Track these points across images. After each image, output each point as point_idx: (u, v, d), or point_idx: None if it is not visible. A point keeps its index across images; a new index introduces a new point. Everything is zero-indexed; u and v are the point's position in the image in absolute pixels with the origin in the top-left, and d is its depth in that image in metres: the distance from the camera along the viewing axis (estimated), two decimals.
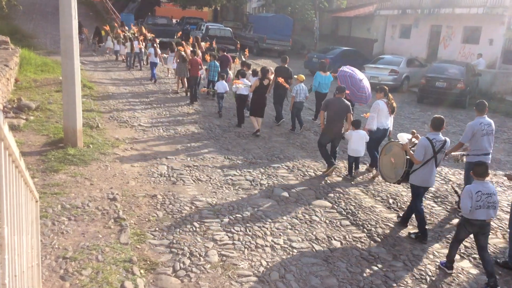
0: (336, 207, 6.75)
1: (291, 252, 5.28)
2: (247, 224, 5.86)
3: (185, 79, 14.39)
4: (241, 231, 5.67)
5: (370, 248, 5.60)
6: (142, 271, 4.56)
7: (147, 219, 5.73)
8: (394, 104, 8.20)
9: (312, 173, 8.16)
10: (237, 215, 6.11)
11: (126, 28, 22.40)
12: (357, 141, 8.04)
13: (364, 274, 4.98)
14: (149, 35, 20.08)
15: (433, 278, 5.05)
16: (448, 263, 5.27)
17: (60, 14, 7.82)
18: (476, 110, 6.86)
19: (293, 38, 31.04)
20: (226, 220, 5.92)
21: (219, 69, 13.70)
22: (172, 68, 16.87)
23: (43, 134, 8.62)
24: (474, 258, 5.58)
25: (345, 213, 6.56)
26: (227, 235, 5.53)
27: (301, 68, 23.78)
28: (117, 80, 16.27)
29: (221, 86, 12.24)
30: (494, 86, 18.91)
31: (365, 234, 5.95)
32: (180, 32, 18.50)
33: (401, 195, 7.45)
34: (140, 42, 19.03)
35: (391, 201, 7.17)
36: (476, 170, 5.05)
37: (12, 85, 11.75)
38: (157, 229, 5.50)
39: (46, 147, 7.91)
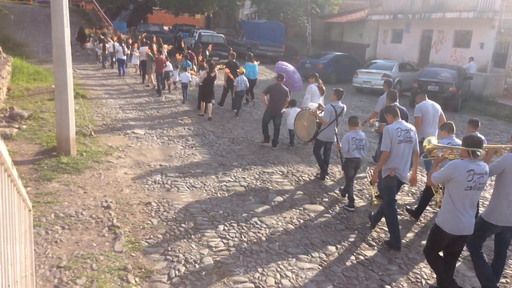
0: (330, 211, 6.76)
1: (286, 257, 5.28)
2: (242, 230, 5.86)
3: (151, 75, 16.91)
4: (236, 237, 5.66)
5: (366, 252, 5.61)
6: (137, 279, 4.53)
7: (141, 227, 5.71)
8: (324, 87, 10.35)
9: (306, 178, 8.17)
10: (232, 221, 6.10)
11: (105, 30, 25.68)
12: (293, 117, 9.67)
13: (360, 278, 4.98)
14: (123, 37, 22.64)
15: (429, 281, 5.06)
16: (349, 202, 6.90)
17: (52, 23, 7.80)
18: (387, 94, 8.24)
19: (286, 44, 31.13)
20: (221, 226, 5.91)
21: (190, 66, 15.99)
22: (136, 64, 19.79)
23: (36, 142, 8.58)
24: (469, 261, 5.60)
25: (339, 218, 6.57)
26: (222, 241, 5.51)
27: None
28: (101, 79, 16.30)
29: (185, 76, 14.41)
30: (486, 90, 19.07)
31: (360, 238, 5.96)
32: (155, 37, 20.28)
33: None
34: (114, 43, 20.96)
35: None
36: (350, 121, 6.99)
37: (4, 94, 11.70)
38: (151, 236, 5.48)
39: (39, 156, 7.87)
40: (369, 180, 5.89)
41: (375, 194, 5.85)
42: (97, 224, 5.62)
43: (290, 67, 12.08)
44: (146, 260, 4.93)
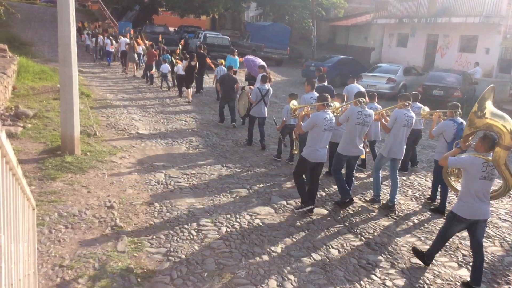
0: (333, 215, 6.75)
1: (288, 260, 5.26)
2: (245, 232, 5.85)
3: (134, 65, 20.11)
4: (238, 239, 5.65)
5: (368, 256, 5.59)
6: (139, 279, 4.53)
7: (144, 227, 5.71)
8: (270, 77, 11.52)
9: None
10: (235, 223, 6.10)
11: (96, 24, 29.41)
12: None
13: (362, 283, 4.97)
14: (111, 31, 26.03)
15: (431, 286, 5.04)
16: (278, 154, 9.22)
17: (58, 22, 7.83)
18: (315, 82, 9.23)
19: (291, 46, 31.14)
20: (223, 228, 5.91)
21: (171, 59, 18.80)
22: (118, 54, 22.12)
23: (40, 141, 8.61)
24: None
25: (342, 221, 6.55)
26: (224, 243, 5.51)
27: (298, 77, 23.87)
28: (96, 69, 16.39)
29: (165, 67, 17.24)
30: None
31: (362, 242, 5.94)
32: (132, 31, 23.23)
33: (399, 203, 7.45)
34: (104, 37, 23.24)
35: None
36: (290, 96, 8.28)
37: (9, 93, 11.75)
38: (154, 237, 5.48)
39: (43, 155, 7.90)
40: (295, 138, 8.11)
41: (295, 148, 8.00)
42: (100, 224, 5.63)
43: (256, 60, 14.19)
44: (148, 261, 4.93)
